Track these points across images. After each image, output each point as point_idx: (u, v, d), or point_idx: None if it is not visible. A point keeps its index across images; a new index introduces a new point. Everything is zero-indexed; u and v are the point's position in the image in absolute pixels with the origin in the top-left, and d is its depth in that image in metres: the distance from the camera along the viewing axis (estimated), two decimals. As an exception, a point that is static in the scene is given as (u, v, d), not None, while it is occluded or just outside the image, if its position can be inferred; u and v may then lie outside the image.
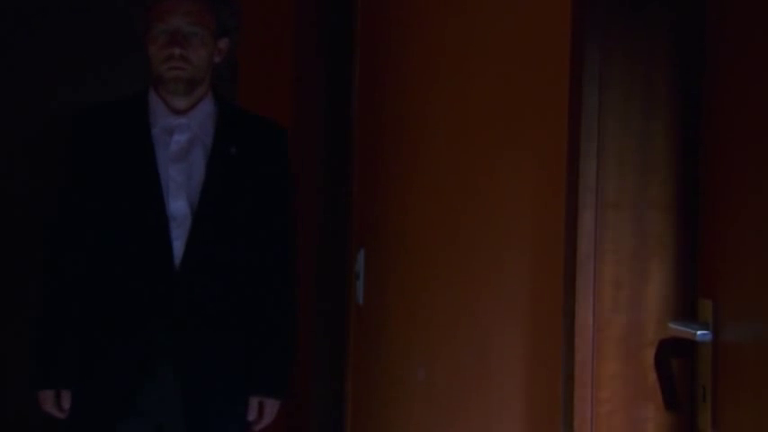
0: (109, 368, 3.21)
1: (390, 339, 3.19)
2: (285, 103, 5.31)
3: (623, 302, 1.97)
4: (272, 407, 3.32)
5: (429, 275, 2.85)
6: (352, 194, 3.66)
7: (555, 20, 2.10)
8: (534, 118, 2.23)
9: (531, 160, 2.24)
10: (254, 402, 3.29)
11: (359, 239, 3.57)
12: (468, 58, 2.62)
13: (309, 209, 4.44)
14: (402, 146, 3.15)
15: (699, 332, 1.88)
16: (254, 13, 5.29)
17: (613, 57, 1.96)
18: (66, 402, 3.21)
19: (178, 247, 3.19)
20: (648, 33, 1.96)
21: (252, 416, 3.30)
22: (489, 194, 2.45)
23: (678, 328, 1.93)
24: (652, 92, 1.96)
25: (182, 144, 3.24)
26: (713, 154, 1.92)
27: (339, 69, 3.92)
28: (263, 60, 5.35)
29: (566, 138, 2.02)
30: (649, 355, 1.96)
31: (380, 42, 3.47)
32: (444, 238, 2.75)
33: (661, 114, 1.97)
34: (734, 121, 1.86)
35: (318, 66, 4.25)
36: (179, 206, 3.20)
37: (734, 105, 1.86)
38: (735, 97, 1.86)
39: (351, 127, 3.69)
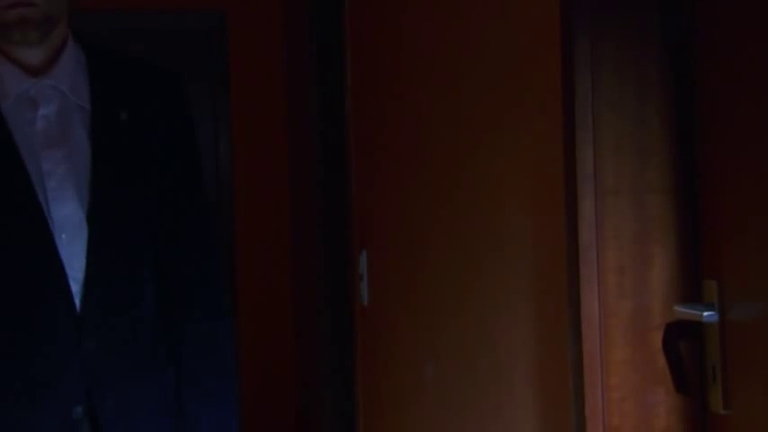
0: None
1: (397, 338, 3.19)
2: (280, 106, 5.32)
3: (628, 288, 1.97)
4: None
5: (432, 272, 2.85)
6: (352, 196, 3.66)
7: (544, 9, 2.10)
8: (529, 109, 2.23)
9: (529, 152, 2.24)
10: None
11: (360, 241, 3.57)
12: (459, 53, 2.62)
13: (310, 212, 4.44)
14: (398, 144, 3.15)
15: (705, 313, 1.88)
16: (245, 15, 5.31)
17: (603, 42, 1.95)
18: None
19: (76, 271, 2.24)
20: (637, 17, 1.96)
21: None
22: (488, 189, 2.45)
23: (684, 311, 1.93)
24: (644, 75, 1.96)
25: (51, 120, 2.25)
26: (710, 133, 1.92)
27: (331, 70, 3.92)
28: (255, 62, 5.35)
29: (561, 127, 2.02)
30: (657, 339, 1.96)
31: (371, 39, 3.47)
32: (445, 235, 2.74)
33: (655, 97, 1.97)
34: (729, 99, 1.86)
35: (310, 68, 4.26)
36: (67, 210, 2.23)
37: (728, 83, 1.86)
38: (728, 74, 1.86)
39: (346, 128, 3.69)
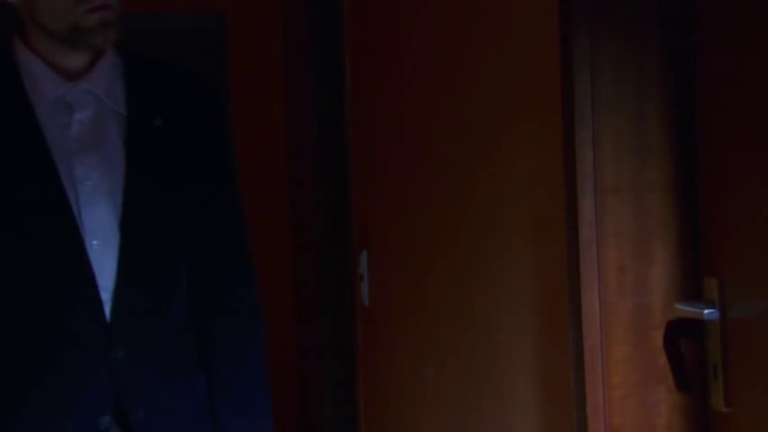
0: None
1: (398, 339, 3.19)
2: (280, 106, 5.32)
3: (628, 286, 1.97)
4: None
5: (433, 273, 2.85)
6: (351, 196, 3.66)
7: (543, 8, 2.10)
8: (529, 108, 2.23)
9: (529, 151, 2.24)
10: None
11: (361, 241, 3.57)
12: (458, 52, 2.62)
13: (309, 212, 4.44)
14: (398, 144, 3.15)
15: (706, 311, 1.88)
16: (244, 16, 5.31)
17: (602, 41, 1.95)
18: None
19: (106, 279, 2.18)
20: (636, 16, 1.96)
21: None
22: (488, 189, 2.45)
23: (685, 309, 1.93)
24: (643, 74, 1.96)
25: (86, 125, 2.21)
26: (710, 131, 1.92)
27: (330, 71, 3.92)
28: (255, 63, 5.35)
29: (560, 126, 2.02)
30: (658, 337, 1.96)
31: (370, 39, 3.47)
32: (446, 235, 2.74)
33: (654, 96, 1.97)
34: (729, 98, 1.86)
35: (310, 68, 4.26)
36: (99, 217, 2.18)
37: (728, 81, 1.86)
38: (728, 72, 1.86)
39: (345, 128, 3.69)
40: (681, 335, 1.95)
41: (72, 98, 2.21)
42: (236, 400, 2.33)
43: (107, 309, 2.18)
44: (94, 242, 2.17)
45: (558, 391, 2.09)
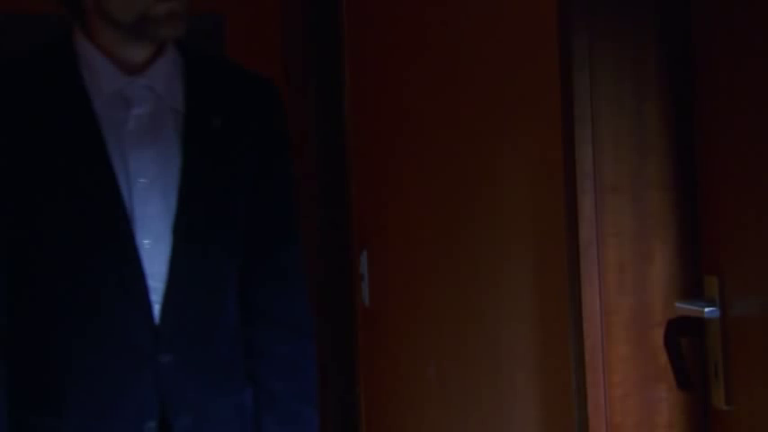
0: None
1: (399, 338, 3.19)
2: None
3: (629, 285, 1.97)
4: None
5: (433, 272, 2.85)
6: (351, 196, 3.66)
7: (542, 8, 2.10)
8: (528, 108, 2.23)
9: (529, 150, 2.24)
10: None
11: (361, 241, 3.57)
12: (458, 52, 2.62)
13: (309, 212, 4.44)
14: (398, 144, 3.15)
15: (706, 309, 1.88)
16: (243, 18, 5.31)
17: (602, 39, 1.95)
18: None
19: (156, 280, 2.13)
20: (635, 14, 1.96)
21: None
22: (488, 188, 2.45)
23: (685, 307, 1.93)
24: (643, 72, 1.96)
25: (143, 121, 2.15)
26: (709, 129, 1.92)
27: (329, 71, 3.92)
28: (254, 64, 5.35)
29: (560, 125, 2.01)
30: (659, 335, 1.96)
31: (369, 39, 3.47)
32: (446, 235, 2.74)
33: (653, 94, 1.97)
34: (728, 96, 1.86)
35: (308, 69, 4.25)
36: (152, 215, 2.12)
37: (727, 78, 1.86)
38: (727, 70, 1.86)
39: (345, 128, 3.69)
40: (681, 333, 1.94)
41: (130, 93, 2.14)
42: (281, 414, 2.29)
43: (155, 311, 2.13)
44: (146, 241, 2.11)
45: (559, 390, 2.09)
